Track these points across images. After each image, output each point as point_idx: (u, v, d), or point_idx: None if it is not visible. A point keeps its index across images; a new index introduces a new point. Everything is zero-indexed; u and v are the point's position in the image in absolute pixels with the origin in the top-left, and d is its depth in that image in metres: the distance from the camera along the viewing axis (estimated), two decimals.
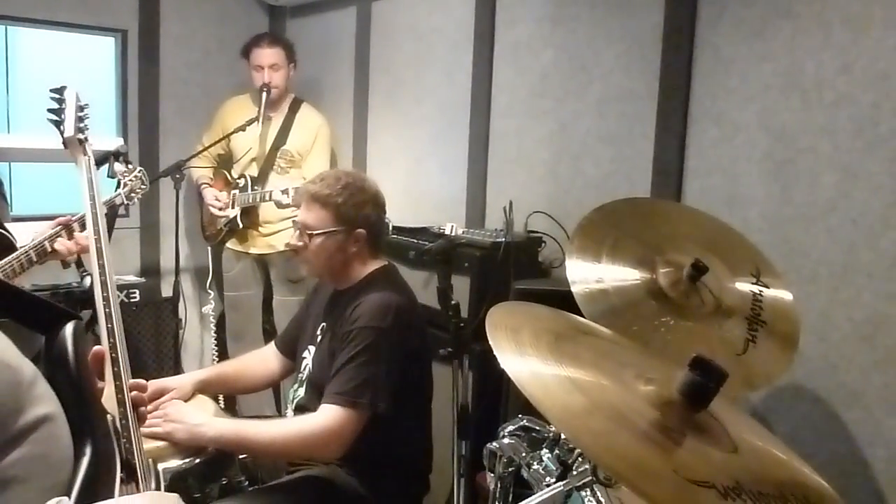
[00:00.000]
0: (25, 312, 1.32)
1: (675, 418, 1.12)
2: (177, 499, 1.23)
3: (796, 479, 1.20)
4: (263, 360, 2.63)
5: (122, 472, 1.30)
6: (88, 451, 1.19)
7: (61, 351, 1.26)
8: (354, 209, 2.29)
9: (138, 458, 1.38)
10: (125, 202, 2.73)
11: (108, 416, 1.37)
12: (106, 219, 2.90)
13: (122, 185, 2.63)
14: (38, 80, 4.11)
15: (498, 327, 1.25)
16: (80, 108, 1.97)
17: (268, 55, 3.93)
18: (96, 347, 1.52)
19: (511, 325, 1.28)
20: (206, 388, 2.44)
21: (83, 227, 2.22)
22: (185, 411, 2.16)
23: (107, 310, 1.51)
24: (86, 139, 1.92)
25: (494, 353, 1.13)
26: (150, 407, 2.13)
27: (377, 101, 4.16)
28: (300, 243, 2.31)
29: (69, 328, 1.29)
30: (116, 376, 1.45)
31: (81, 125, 1.94)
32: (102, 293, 1.53)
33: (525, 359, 1.17)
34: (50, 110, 1.97)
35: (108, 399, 1.41)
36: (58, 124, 1.94)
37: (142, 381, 1.57)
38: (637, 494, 0.95)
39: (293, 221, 2.36)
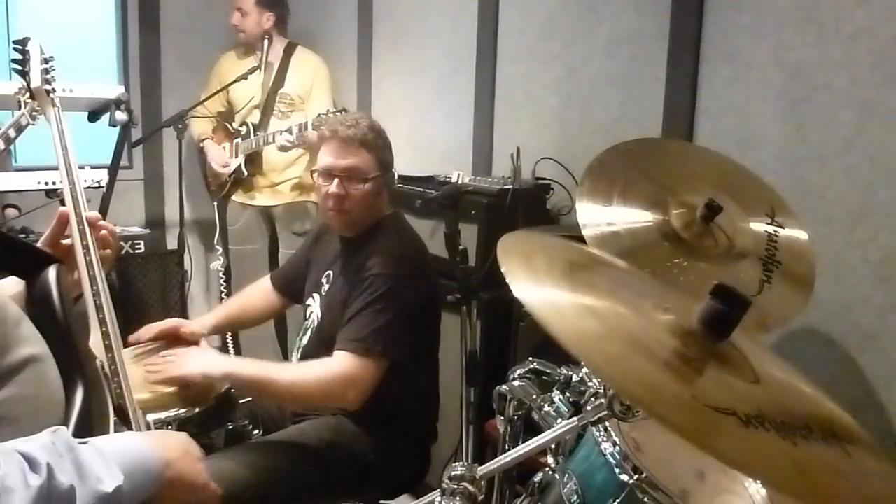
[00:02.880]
0: (6, 256, 1.30)
1: (695, 348, 1.09)
2: (185, 437, 1.22)
3: (820, 411, 1.17)
4: (263, 292, 2.64)
5: (114, 416, 1.29)
6: (80, 390, 1.18)
7: (45, 294, 1.25)
8: (388, 152, 2.30)
9: (128, 401, 1.38)
10: (30, 122, 2.67)
11: (97, 360, 1.36)
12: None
13: (22, 105, 2.60)
14: (39, 29, 4.06)
15: (511, 253, 1.21)
16: (45, 61, 1.94)
17: None
18: (61, 209, 1.55)
19: (524, 252, 1.24)
20: (217, 331, 2.54)
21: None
22: (197, 353, 2.16)
23: (87, 258, 1.51)
24: (53, 90, 1.90)
25: (506, 278, 1.09)
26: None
27: (381, 49, 4.09)
28: (341, 191, 2.22)
29: (52, 272, 1.28)
30: (102, 322, 1.45)
31: (48, 76, 1.91)
32: (81, 241, 1.52)
33: (538, 284, 1.13)
34: (14, 61, 1.94)
35: (95, 345, 1.40)
36: (23, 74, 1.92)
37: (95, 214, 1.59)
38: (654, 418, 0.92)
39: (326, 168, 2.24)
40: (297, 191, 3.93)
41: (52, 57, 1.96)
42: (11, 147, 3.46)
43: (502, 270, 1.10)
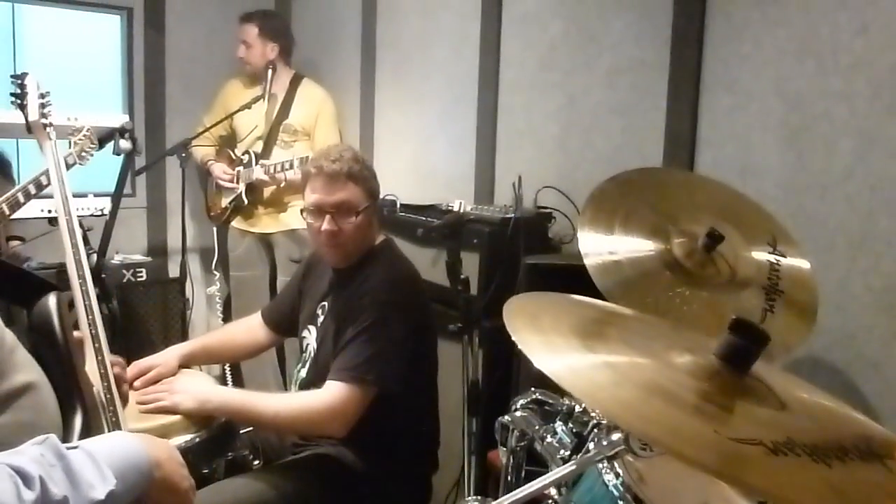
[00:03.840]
0: (5, 284, 1.31)
1: (716, 383, 1.09)
2: (168, 443, 1.22)
3: (854, 429, 1.17)
4: (249, 329, 2.60)
5: None
6: (79, 415, 1.18)
7: (46, 322, 1.26)
8: (374, 181, 2.29)
9: (123, 428, 1.39)
10: (77, 162, 2.69)
11: (94, 388, 1.36)
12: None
13: (71, 145, 2.62)
14: (45, 58, 4.11)
15: (516, 314, 1.23)
16: (42, 96, 2.01)
17: (240, 31, 3.98)
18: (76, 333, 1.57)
19: (530, 312, 1.26)
20: (191, 361, 2.40)
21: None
22: (188, 381, 2.15)
23: (83, 287, 1.57)
24: (49, 124, 1.97)
25: (514, 339, 1.13)
26: (138, 383, 2.14)
27: (384, 78, 4.11)
28: (333, 228, 2.20)
29: (52, 300, 1.29)
30: (98, 351, 1.46)
31: (45, 111, 1.99)
32: (77, 271, 1.57)
33: (547, 343, 1.14)
34: (13, 94, 2.02)
35: (92, 374, 1.41)
36: (21, 108, 1.99)
37: (119, 359, 1.61)
38: (675, 457, 0.92)
39: (316, 205, 2.22)
40: (298, 219, 3.94)
41: (48, 92, 2.03)
42: (15, 175, 3.49)
43: (510, 332, 1.13)
